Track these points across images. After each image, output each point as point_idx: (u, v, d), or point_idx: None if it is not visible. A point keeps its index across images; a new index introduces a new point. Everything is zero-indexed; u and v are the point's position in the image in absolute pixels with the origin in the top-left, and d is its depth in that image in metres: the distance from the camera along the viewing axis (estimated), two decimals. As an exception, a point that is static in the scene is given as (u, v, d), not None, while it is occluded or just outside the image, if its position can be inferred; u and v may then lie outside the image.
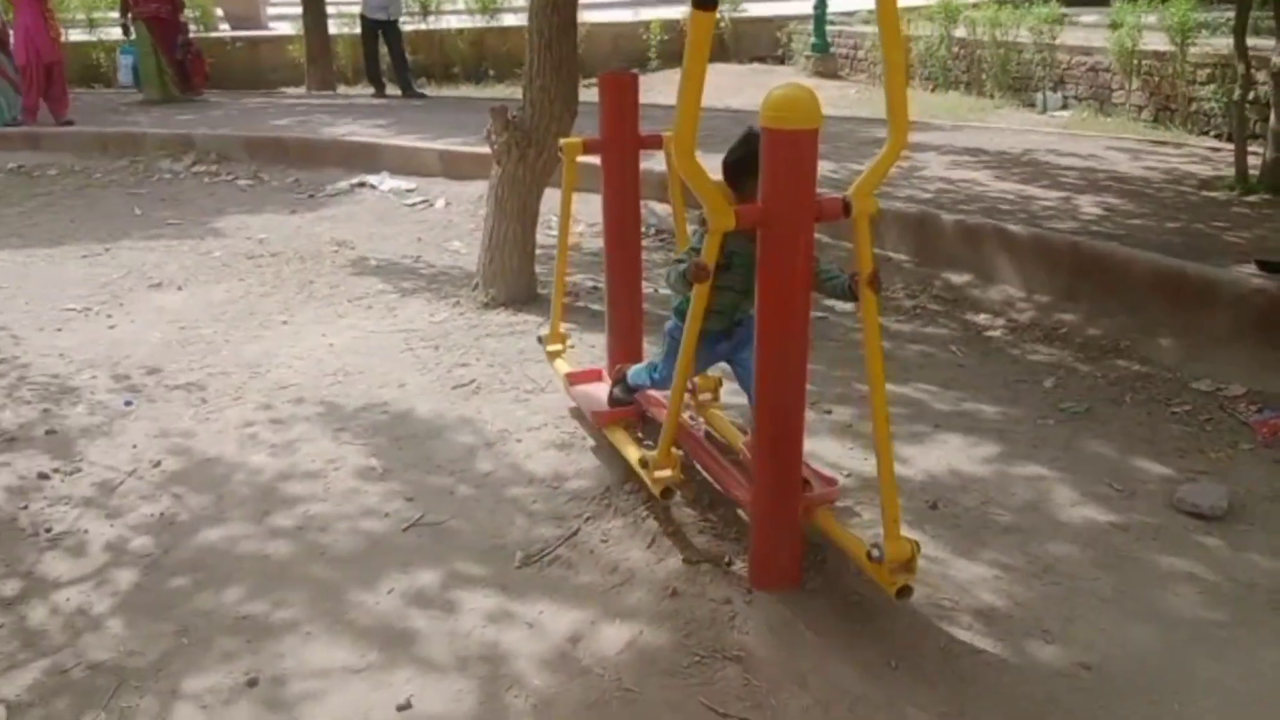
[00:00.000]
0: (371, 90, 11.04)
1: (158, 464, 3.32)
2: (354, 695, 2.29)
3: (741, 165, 2.56)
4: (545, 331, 3.74)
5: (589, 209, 4.66)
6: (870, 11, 13.43)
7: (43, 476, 3.24)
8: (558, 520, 2.97)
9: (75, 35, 13.61)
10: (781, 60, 14.10)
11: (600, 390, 3.44)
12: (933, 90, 11.14)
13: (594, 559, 2.78)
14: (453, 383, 3.92)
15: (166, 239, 5.98)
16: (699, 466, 3.08)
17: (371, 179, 7.32)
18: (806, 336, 2.48)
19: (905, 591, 2.39)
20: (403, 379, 3.96)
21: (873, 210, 2.43)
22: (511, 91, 11.74)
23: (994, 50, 10.60)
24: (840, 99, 10.83)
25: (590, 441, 3.40)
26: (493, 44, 14.05)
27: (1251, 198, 5.60)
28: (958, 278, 4.95)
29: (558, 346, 3.71)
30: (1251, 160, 5.84)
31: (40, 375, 4.00)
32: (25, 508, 3.07)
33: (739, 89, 11.17)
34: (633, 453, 2.94)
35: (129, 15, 10.15)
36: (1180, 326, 4.14)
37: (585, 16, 4.65)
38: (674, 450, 2.75)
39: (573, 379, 3.53)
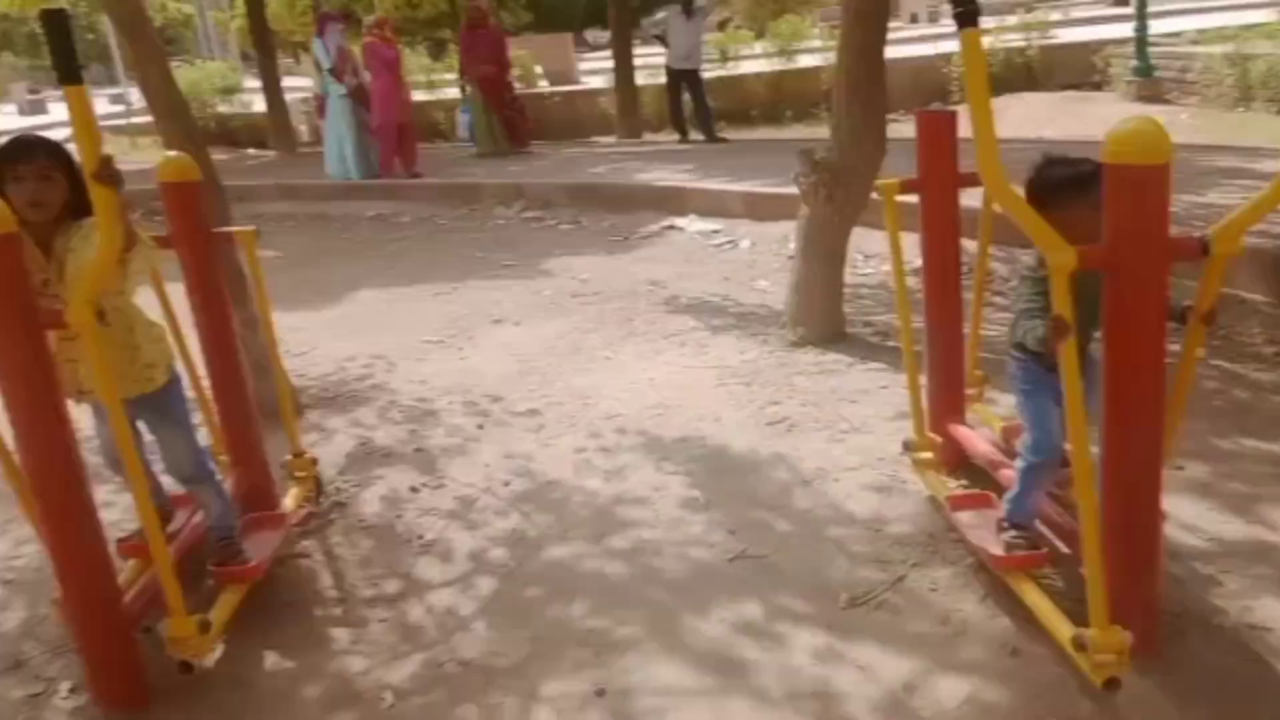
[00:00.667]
0: (676, 137, 11.58)
1: (507, 483, 3.68)
2: (693, 716, 2.41)
3: (1051, 186, 2.46)
4: (910, 434, 3.33)
5: (884, 246, 4.62)
6: (1199, 31, 12.34)
7: (413, 490, 3.69)
8: (881, 564, 2.96)
9: (417, 96, 15.40)
10: (1098, 86, 13.23)
11: (991, 519, 2.88)
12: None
13: (923, 607, 2.74)
14: (766, 419, 4.02)
15: (503, 279, 6.61)
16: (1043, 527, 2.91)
17: (679, 221, 7.67)
18: (1162, 390, 2.32)
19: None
20: (718, 413, 4.12)
21: (1237, 253, 2.26)
22: (810, 131, 11.90)
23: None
24: (1172, 125, 9.89)
25: (911, 486, 3.36)
26: (789, 86, 14.32)
27: None
28: (1328, 323, 4.41)
29: (929, 455, 3.25)
30: None
31: (407, 399, 4.56)
32: (400, 516, 3.50)
33: (1051, 119, 10.64)
34: (1060, 627, 2.40)
35: (464, 77, 11.36)
36: None
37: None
38: (1118, 629, 2.20)
39: (955, 503, 3.00)
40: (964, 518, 2.92)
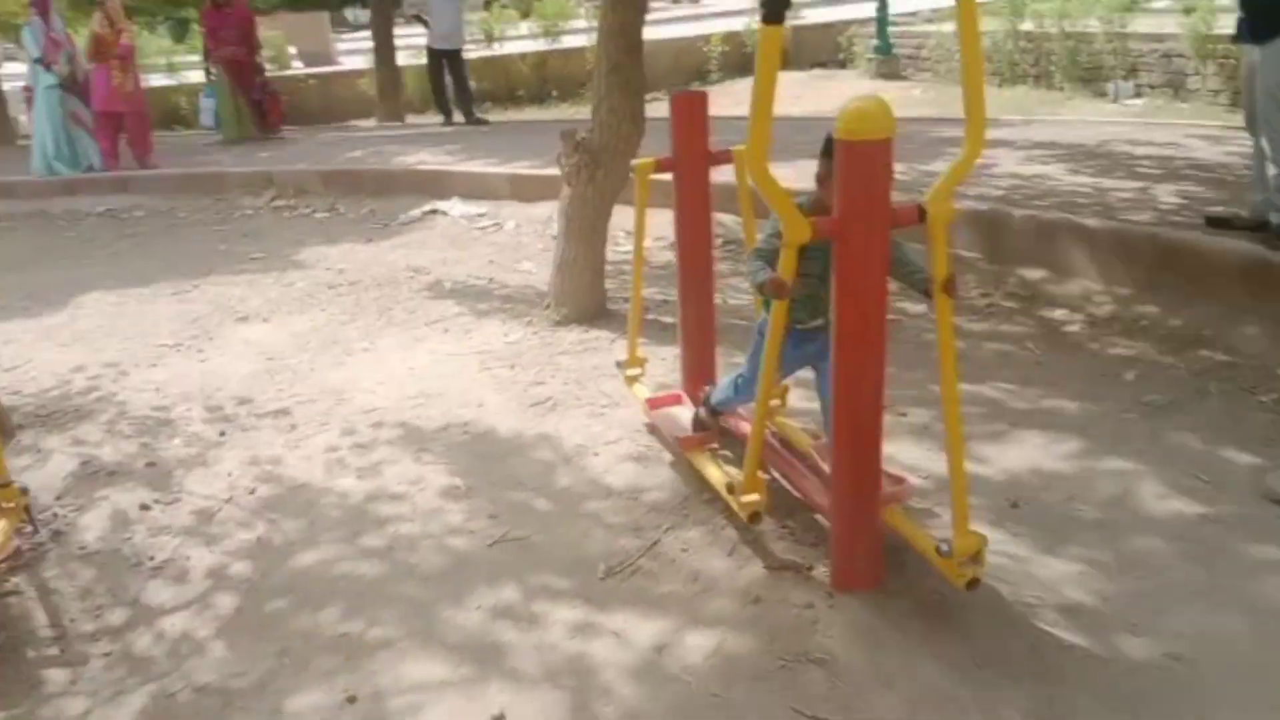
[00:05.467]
0: (440, 119, 11.31)
1: (252, 491, 3.46)
2: (449, 709, 2.36)
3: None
4: (623, 356, 3.77)
5: (654, 223, 4.72)
6: (934, 11, 13.34)
7: (144, 508, 3.40)
8: (638, 531, 3.02)
9: (157, 80, 14.26)
10: (843, 65, 14.04)
11: (682, 414, 3.45)
12: (1001, 85, 10.97)
13: (675, 568, 2.82)
14: (530, 400, 4.01)
15: (250, 273, 6.22)
16: (776, 474, 3.10)
17: (443, 205, 7.50)
18: (884, 342, 2.49)
19: (974, 584, 2.43)
20: (481, 399, 4.06)
21: (949, 216, 2.43)
22: (575, 111, 11.94)
23: (1062, 42, 10.41)
24: (905, 100, 10.73)
25: (666, 455, 3.45)
26: (555, 66, 14.30)
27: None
28: (1033, 274, 4.87)
29: (636, 370, 3.73)
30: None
31: (138, 410, 4.20)
32: (128, 538, 3.21)
33: (798, 96, 11.16)
34: (718, 476, 2.96)
35: (209, 60, 10.59)
36: (1265, 314, 4.01)
37: (646, 34, 4.72)
38: (760, 474, 2.74)
39: (653, 404, 3.54)
40: (659, 414, 3.44)
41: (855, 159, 2.33)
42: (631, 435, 3.62)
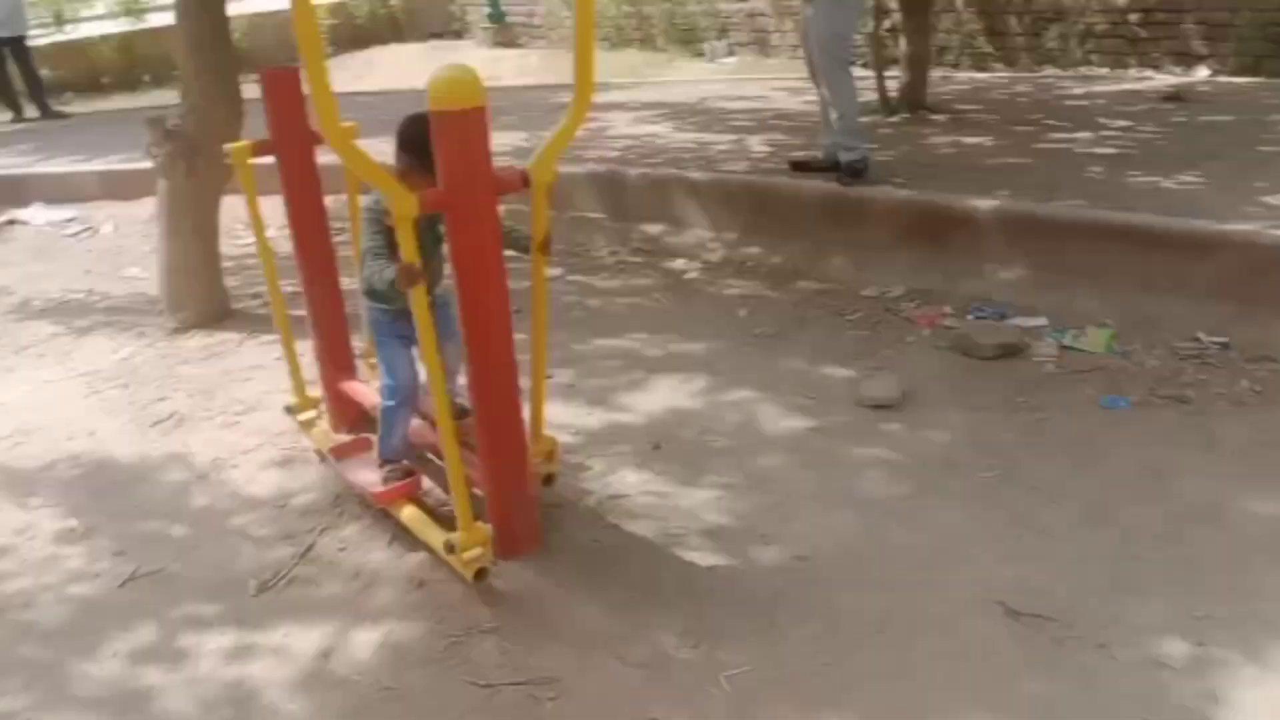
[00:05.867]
0: (9, 116, 9.85)
1: None
2: (88, 772, 2.13)
3: (415, 141, 2.47)
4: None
5: (271, 212, 4.46)
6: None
7: None
8: (290, 539, 2.87)
9: None
10: (459, 34, 13.98)
11: (372, 462, 2.97)
12: (611, 50, 11.48)
13: (334, 569, 2.72)
14: (150, 419, 3.65)
15: None
16: (432, 456, 3.07)
17: (22, 214, 6.57)
18: (508, 305, 2.53)
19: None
20: (91, 427, 3.64)
21: (550, 179, 2.53)
22: (172, 97, 10.86)
23: (660, 5, 11.07)
24: (523, 67, 10.93)
25: (314, 456, 3.29)
26: (143, 48, 12.91)
27: (894, 119, 6.26)
28: (653, 228, 5.20)
29: (311, 413, 3.32)
30: (892, 85, 6.51)
31: None
32: None
33: (419, 69, 10.94)
34: (435, 537, 2.61)
35: None
36: (847, 244, 4.59)
37: (245, 7, 4.40)
38: (480, 524, 2.52)
39: (337, 453, 3.06)
40: (348, 464, 3.00)
41: (451, 128, 2.33)
42: (273, 440, 3.42)
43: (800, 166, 5.01)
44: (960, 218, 4.30)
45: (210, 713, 2.26)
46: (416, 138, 2.47)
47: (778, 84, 8.05)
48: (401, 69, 11.36)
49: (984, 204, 4.27)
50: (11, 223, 6.50)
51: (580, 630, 2.39)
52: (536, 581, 2.57)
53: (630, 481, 3.00)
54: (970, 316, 3.94)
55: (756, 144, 5.92)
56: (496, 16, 12.92)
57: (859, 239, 4.57)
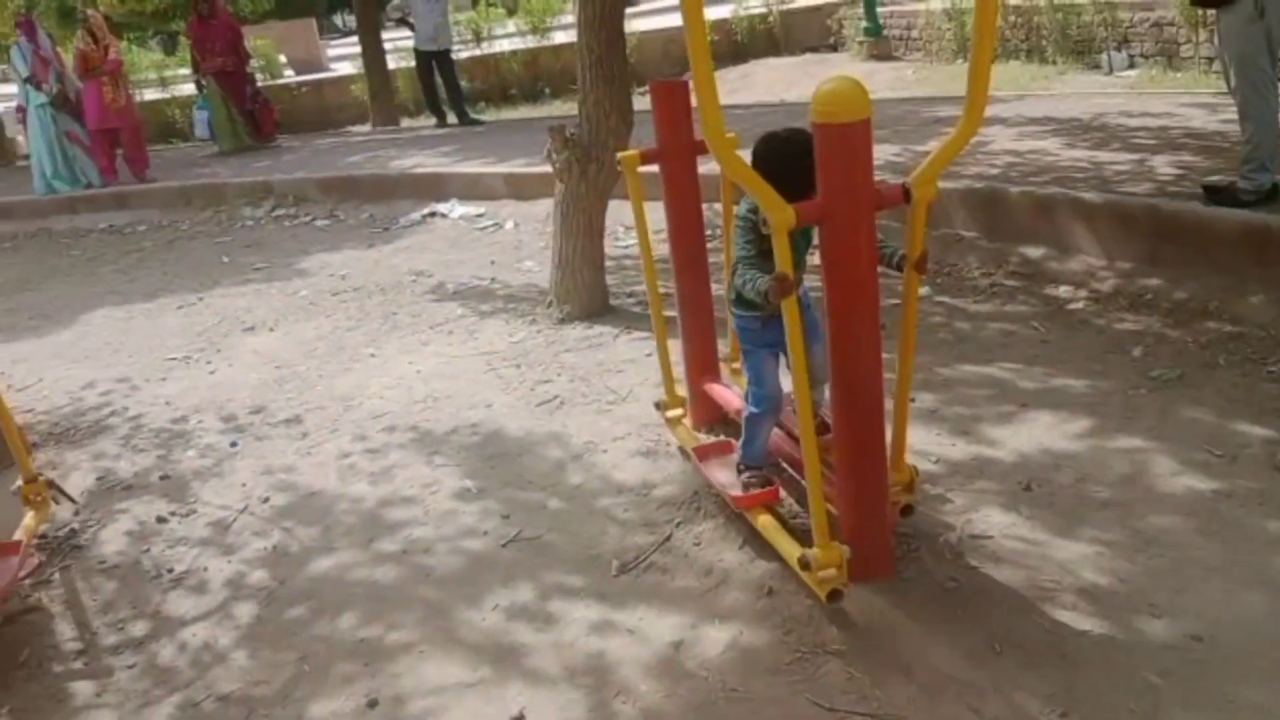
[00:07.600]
0: (434, 121, 11.30)
1: (266, 500, 3.48)
2: (469, 710, 2.38)
3: (778, 166, 2.50)
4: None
5: (656, 216, 4.74)
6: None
7: (161, 520, 3.42)
8: (650, 527, 3.03)
9: (150, 95, 14.28)
10: (834, 48, 13.99)
11: (732, 463, 3.01)
12: (993, 62, 10.93)
13: (688, 563, 2.82)
14: (537, 400, 4.01)
15: (255, 283, 6.23)
16: (785, 465, 3.10)
17: (441, 207, 7.51)
18: (879, 326, 2.49)
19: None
20: (489, 399, 4.07)
21: (933, 196, 2.45)
22: (568, 108, 11.91)
23: (1052, 15, 10.36)
24: (898, 81, 10.71)
25: (675, 449, 3.45)
26: (546, 63, 14.28)
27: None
28: (1034, 252, 4.86)
29: (678, 411, 3.44)
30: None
31: (151, 424, 4.22)
32: (147, 551, 3.25)
33: (793, 81, 11.15)
34: (789, 548, 2.60)
35: (200, 72, 10.60)
36: (1270, 282, 4.00)
37: (633, 26, 4.73)
38: (836, 544, 2.44)
39: (701, 453, 3.13)
40: (709, 465, 3.07)
41: (834, 141, 2.32)
42: (639, 430, 3.63)
43: (1216, 192, 4.45)
44: None
45: (571, 678, 2.44)
46: (768, 155, 2.57)
47: (1187, 99, 7.21)
48: (776, 82, 11.59)
49: None
50: (433, 214, 7.45)
51: (932, 671, 2.29)
52: (888, 612, 2.50)
53: (995, 522, 2.82)
54: None
55: (1162, 165, 5.34)
56: (873, 30, 12.78)
57: (1288, 278, 3.97)
